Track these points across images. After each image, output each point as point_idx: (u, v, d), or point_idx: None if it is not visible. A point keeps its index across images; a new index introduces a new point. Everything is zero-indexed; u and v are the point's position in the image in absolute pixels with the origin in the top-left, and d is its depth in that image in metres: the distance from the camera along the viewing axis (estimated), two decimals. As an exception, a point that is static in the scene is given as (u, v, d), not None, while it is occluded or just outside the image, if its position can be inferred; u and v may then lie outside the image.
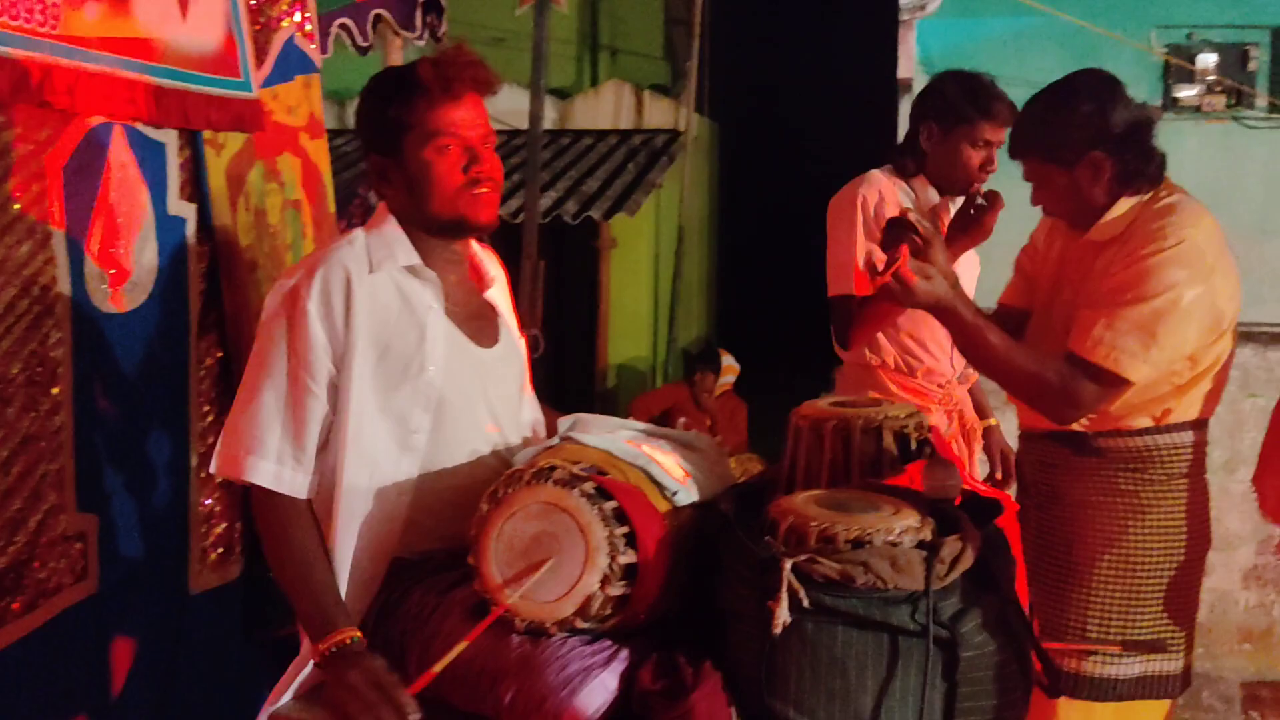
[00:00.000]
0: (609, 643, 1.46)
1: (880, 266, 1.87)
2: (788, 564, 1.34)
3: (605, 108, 7.79)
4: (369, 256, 1.72)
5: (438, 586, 1.60)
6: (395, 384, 1.68)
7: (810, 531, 1.39)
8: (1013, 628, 1.43)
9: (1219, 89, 6.13)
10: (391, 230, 1.75)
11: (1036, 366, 2.04)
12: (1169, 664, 2.16)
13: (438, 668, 1.45)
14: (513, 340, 1.90)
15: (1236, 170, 6.08)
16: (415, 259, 1.74)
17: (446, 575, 1.61)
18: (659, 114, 7.80)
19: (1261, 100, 6.14)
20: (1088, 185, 2.11)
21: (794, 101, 10.74)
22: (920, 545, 1.40)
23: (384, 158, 1.75)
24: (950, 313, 1.95)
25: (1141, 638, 2.12)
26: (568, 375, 7.85)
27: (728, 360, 6.56)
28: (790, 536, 1.41)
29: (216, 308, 2.35)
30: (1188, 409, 2.13)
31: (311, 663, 1.63)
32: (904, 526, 1.40)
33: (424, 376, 1.69)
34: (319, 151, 2.77)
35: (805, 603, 1.33)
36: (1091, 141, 2.07)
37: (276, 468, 1.65)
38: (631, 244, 7.41)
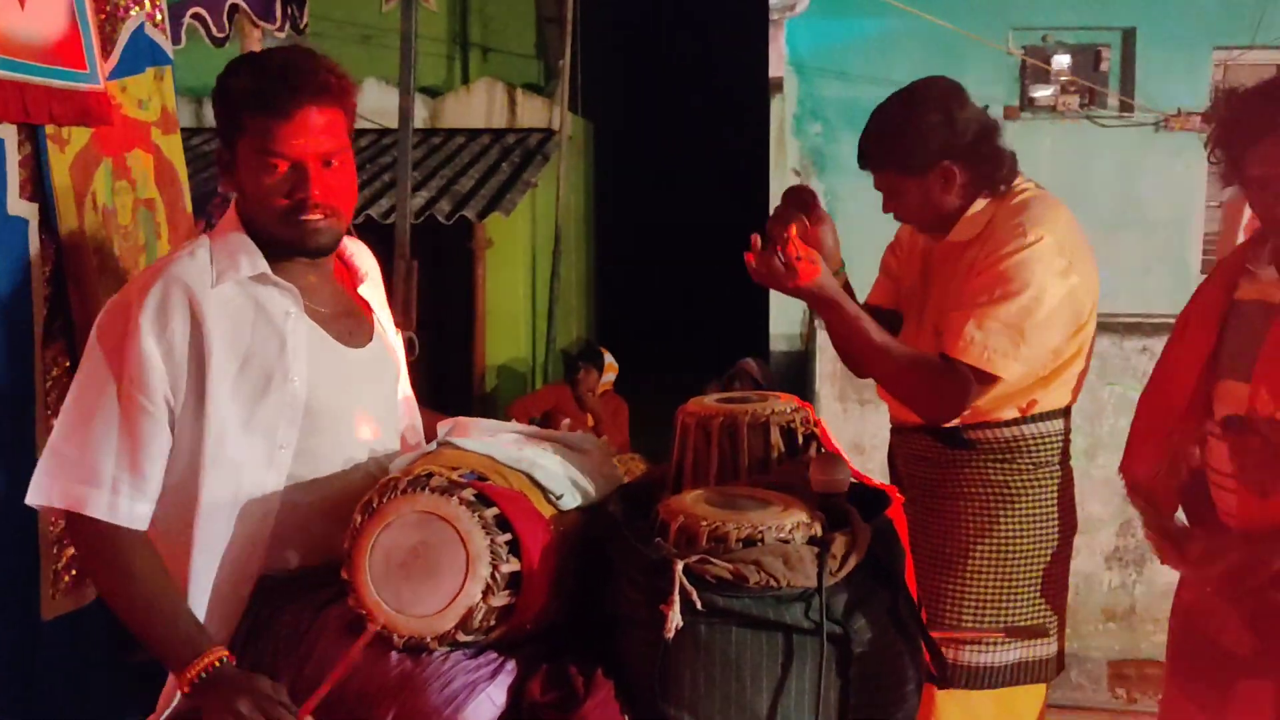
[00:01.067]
0: (494, 655, 1.40)
1: (763, 245, 1.86)
2: (679, 565, 1.30)
3: (477, 106, 7.67)
4: (213, 268, 1.60)
5: (311, 604, 1.51)
6: (258, 397, 1.58)
7: (701, 531, 1.36)
8: (904, 621, 1.42)
9: (1073, 89, 6.38)
10: (236, 237, 1.64)
11: (914, 366, 2.06)
12: (1044, 649, 2.21)
13: (325, 688, 1.37)
14: (386, 339, 1.81)
15: (1090, 167, 6.34)
16: (262, 266, 1.62)
17: (320, 592, 1.52)
18: (532, 113, 7.72)
19: (1113, 100, 6.41)
20: (939, 193, 2.13)
21: (667, 100, 10.80)
22: (811, 541, 1.38)
23: (226, 150, 1.64)
24: (832, 305, 1.95)
25: (1019, 624, 2.16)
26: (446, 378, 7.70)
27: (608, 359, 6.53)
28: (681, 537, 1.38)
29: (63, 314, 2.20)
30: (1052, 399, 2.18)
31: (179, 694, 1.52)
32: (795, 523, 1.38)
33: (288, 387, 1.59)
34: (173, 147, 2.63)
35: (698, 605, 1.30)
36: (941, 151, 2.09)
37: (111, 498, 1.53)
38: (508, 244, 7.32)
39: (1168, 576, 5.38)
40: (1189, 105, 6.34)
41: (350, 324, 1.73)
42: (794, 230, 1.91)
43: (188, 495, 1.57)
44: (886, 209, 2.22)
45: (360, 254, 1.83)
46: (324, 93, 1.58)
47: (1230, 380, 1.96)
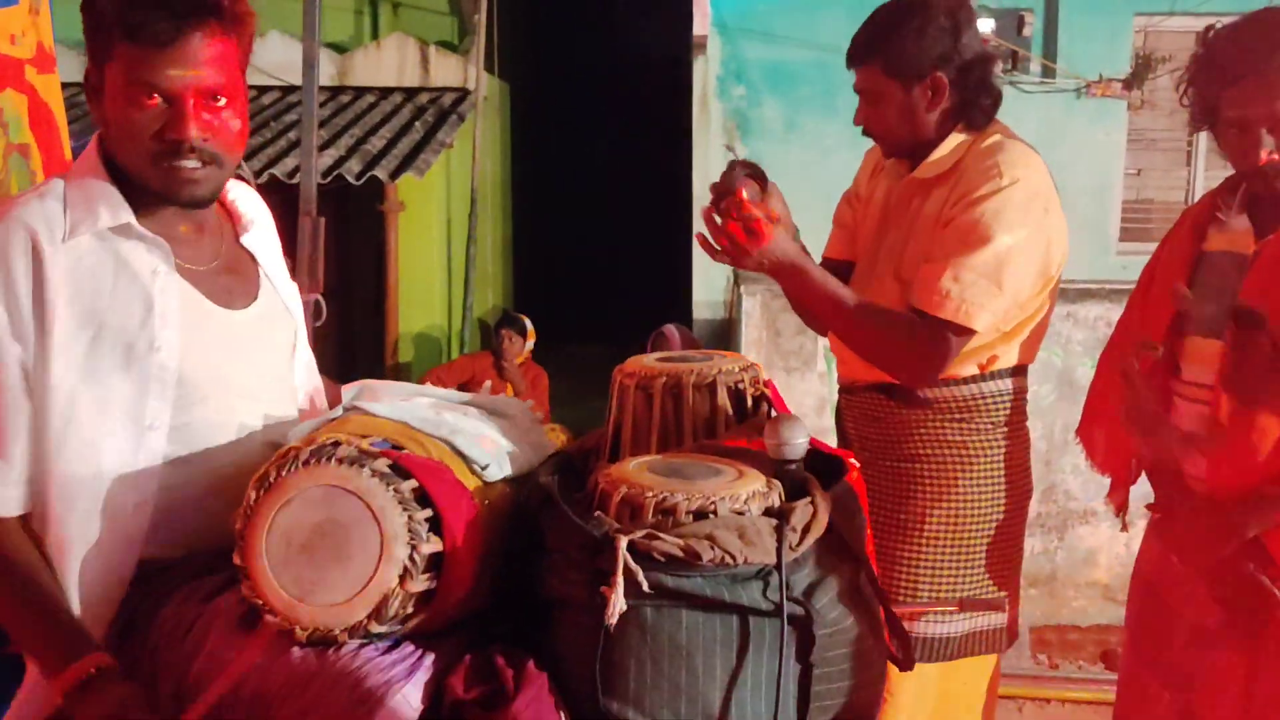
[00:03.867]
0: (412, 647, 1.22)
1: (718, 218, 1.73)
2: (623, 542, 1.15)
3: (388, 64, 7.36)
4: (66, 215, 1.37)
5: (198, 594, 1.32)
6: (116, 370, 1.37)
7: (646, 503, 1.21)
8: (867, 598, 1.29)
9: (997, 53, 6.34)
10: (96, 181, 1.41)
11: (889, 326, 1.94)
12: (998, 618, 2.12)
13: (213, 696, 1.18)
14: (277, 295, 1.60)
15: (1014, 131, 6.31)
16: (125, 217, 1.40)
17: (208, 580, 1.33)
18: (446, 72, 7.43)
19: (1035, 65, 6.39)
20: (923, 109, 2.00)
21: (586, 60, 10.55)
22: (768, 512, 1.24)
23: (95, 71, 1.40)
24: (797, 270, 1.83)
25: (975, 594, 2.07)
26: (357, 347, 7.43)
27: (529, 326, 6.33)
28: (624, 510, 1.22)
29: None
30: (1012, 355, 2.08)
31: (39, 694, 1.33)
32: (750, 492, 1.24)
33: (154, 358, 1.38)
34: (49, 88, 2.37)
35: (645, 586, 1.14)
36: (938, 60, 1.97)
37: None
38: (421, 207, 7.05)
39: (1088, 543, 5.39)
40: (1110, 72, 6.35)
41: (231, 281, 1.52)
42: (744, 194, 1.78)
43: (40, 476, 1.36)
44: (859, 119, 2.08)
45: (244, 197, 1.60)
46: (211, 16, 1.36)
47: (1199, 337, 1.88)
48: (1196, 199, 6.97)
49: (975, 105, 2.01)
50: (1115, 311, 4.89)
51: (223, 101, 1.40)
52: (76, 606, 1.36)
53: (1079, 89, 6.36)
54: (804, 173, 6.06)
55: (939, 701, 2.08)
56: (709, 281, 6.62)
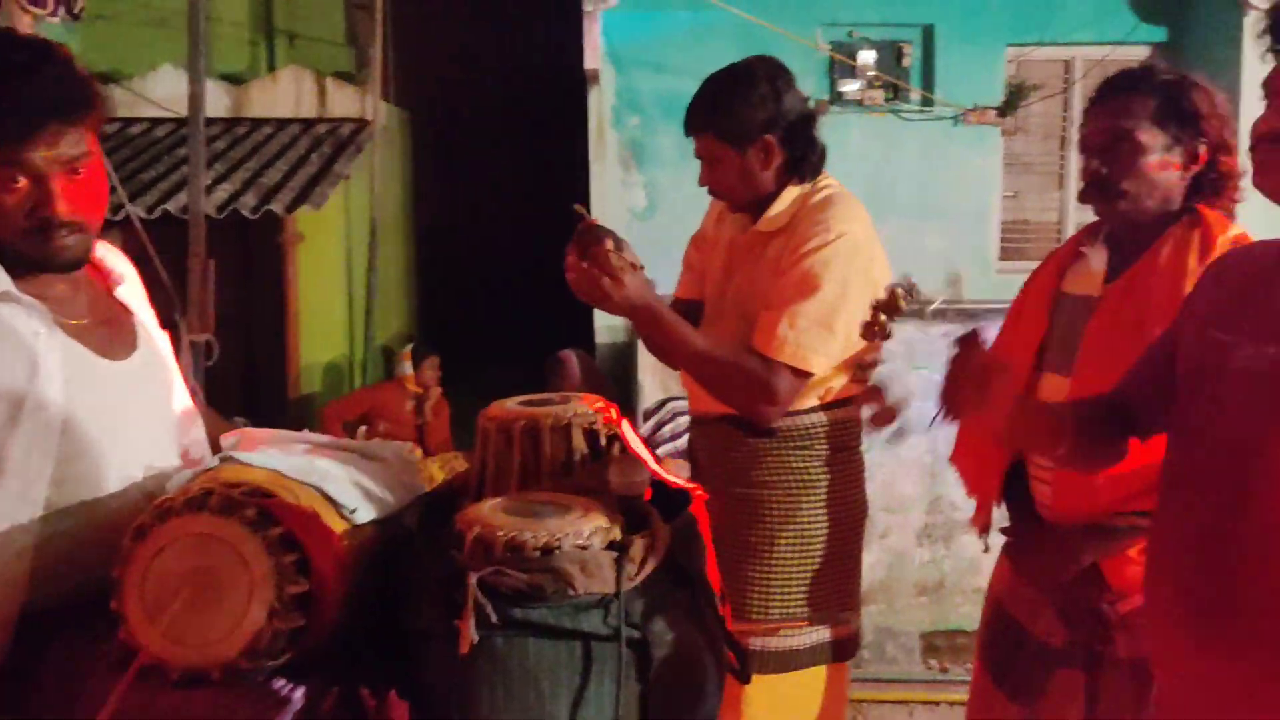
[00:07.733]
0: (283, 682, 1.32)
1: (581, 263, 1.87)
2: (473, 578, 1.27)
3: (285, 95, 7.37)
4: None
5: (82, 638, 1.39)
6: (6, 428, 1.43)
7: (497, 541, 1.32)
8: (704, 619, 1.43)
9: (878, 84, 6.61)
10: None
11: (735, 367, 2.11)
12: (844, 629, 2.28)
13: None
14: (155, 345, 1.68)
15: (895, 159, 6.59)
16: (4, 284, 1.47)
17: (93, 626, 1.41)
18: (344, 102, 7.47)
19: (915, 95, 6.68)
20: (758, 168, 2.18)
21: (484, 90, 10.64)
22: (610, 546, 1.36)
23: None
24: (652, 313, 1.97)
25: (823, 608, 2.22)
26: (259, 380, 7.40)
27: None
28: (477, 548, 1.33)
29: None
30: (847, 386, 2.25)
31: None
32: (593, 528, 1.36)
33: (40, 416, 1.45)
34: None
35: (493, 618, 1.26)
36: (766, 124, 2.15)
37: None
38: (320, 239, 7.07)
39: (974, 550, 5.64)
40: (985, 100, 6.66)
41: (110, 333, 1.60)
42: (610, 243, 1.93)
43: None
44: (703, 181, 2.26)
45: (111, 255, 1.69)
46: (68, 105, 1.45)
47: (1052, 374, 2.00)
48: (1069, 219, 7.22)
49: (805, 160, 2.20)
50: (996, 330, 5.15)
51: (82, 171, 1.49)
52: None
53: (956, 116, 6.65)
54: (698, 198, 6.24)
55: (792, 709, 2.23)
56: (609, 307, 6.75)
